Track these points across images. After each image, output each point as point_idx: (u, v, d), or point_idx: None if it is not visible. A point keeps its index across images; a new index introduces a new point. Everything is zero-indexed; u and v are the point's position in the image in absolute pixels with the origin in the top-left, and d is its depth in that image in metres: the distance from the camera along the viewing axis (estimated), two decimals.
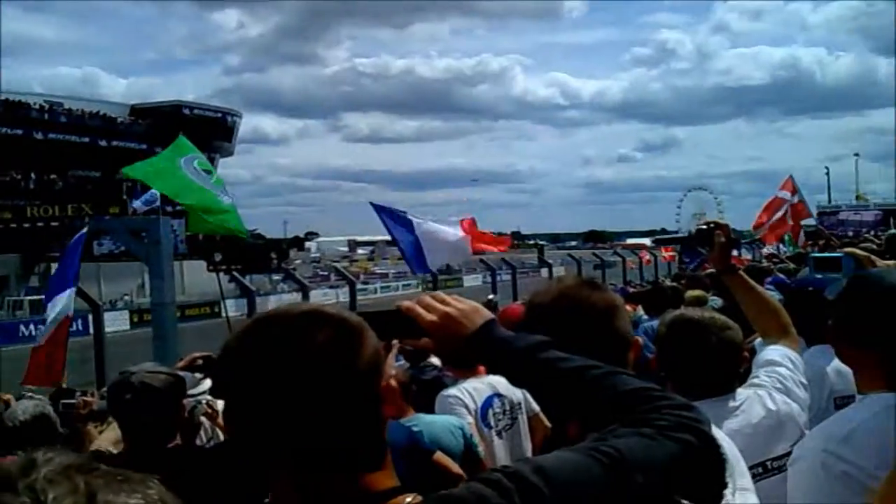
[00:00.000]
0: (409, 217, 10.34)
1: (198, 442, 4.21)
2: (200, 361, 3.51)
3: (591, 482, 1.07)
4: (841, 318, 1.90)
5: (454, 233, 10.49)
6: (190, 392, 3.34)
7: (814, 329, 2.66)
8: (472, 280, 46.54)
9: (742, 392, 2.30)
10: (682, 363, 2.30)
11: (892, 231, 11.11)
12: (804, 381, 2.39)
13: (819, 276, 2.97)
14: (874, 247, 7.04)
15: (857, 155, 72.05)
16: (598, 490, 1.07)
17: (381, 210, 10.50)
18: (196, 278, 34.22)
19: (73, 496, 0.67)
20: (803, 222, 17.50)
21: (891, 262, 2.75)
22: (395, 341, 1.46)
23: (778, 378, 2.34)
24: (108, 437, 3.23)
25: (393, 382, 1.14)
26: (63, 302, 8.61)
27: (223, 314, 11.41)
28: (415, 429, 3.42)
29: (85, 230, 9.61)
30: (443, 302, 1.37)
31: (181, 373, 3.11)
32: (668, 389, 2.27)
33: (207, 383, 3.98)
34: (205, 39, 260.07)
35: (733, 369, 2.33)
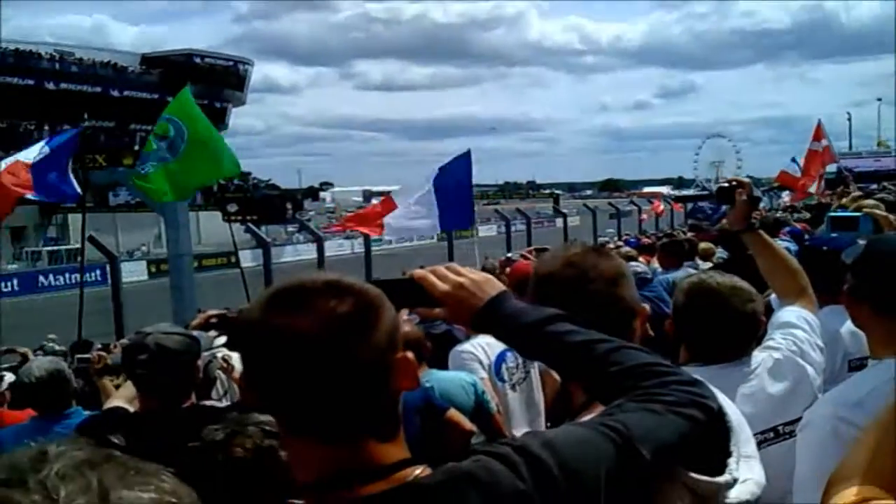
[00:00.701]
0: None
1: (214, 395, 4.27)
2: (215, 320, 3.52)
3: (599, 457, 1.08)
4: (857, 282, 1.87)
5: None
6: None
7: (827, 289, 2.62)
8: (486, 230, 46.33)
9: (757, 355, 2.27)
10: (700, 333, 2.28)
11: None
12: (820, 343, 2.36)
13: (835, 235, 2.93)
14: (892, 198, 6.91)
15: (879, 100, 70.71)
16: (606, 465, 1.08)
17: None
18: (212, 228, 34.39)
19: (86, 494, 0.67)
20: (827, 167, 17.28)
21: None
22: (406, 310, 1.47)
23: (794, 340, 2.31)
24: (123, 394, 3.26)
25: (410, 355, 1.14)
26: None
27: (239, 265, 11.48)
28: (426, 384, 3.45)
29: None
30: (456, 272, 1.39)
31: (196, 333, 3.13)
32: (683, 354, 2.28)
33: (223, 339, 4.01)
34: None
35: (751, 338, 2.30)
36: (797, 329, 2.35)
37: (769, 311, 2.60)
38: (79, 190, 9.50)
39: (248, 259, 19.52)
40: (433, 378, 3.57)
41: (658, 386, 1.18)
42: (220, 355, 4.12)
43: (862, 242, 2.04)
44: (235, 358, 4.30)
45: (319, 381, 1.06)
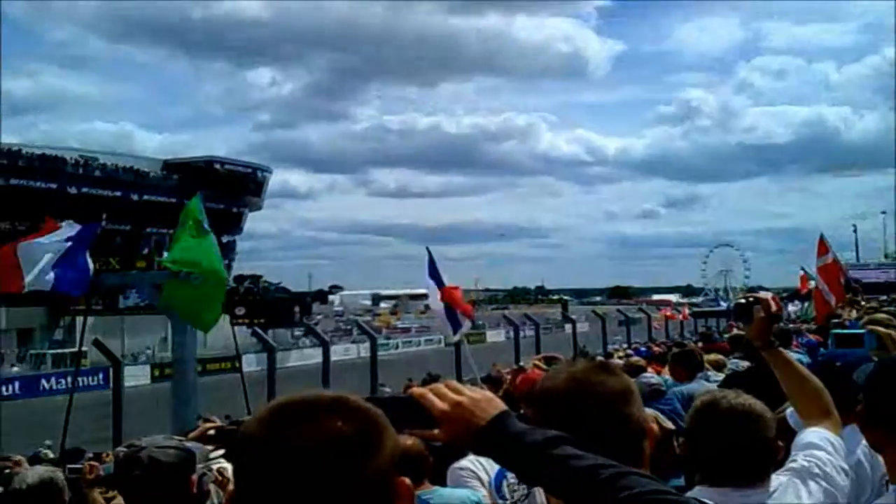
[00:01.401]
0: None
1: None
2: (213, 432, 3.45)
3: None
4: (871, 404, 1.80)
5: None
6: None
7: (845, 408, 2.52)
8: (494, 335, 46.25)
9: (776, 478, 2.18)
10: (711, 455, 2.20)
11: None
12: (845, 466, 2.26)
13: (843, 351, 2.86)
14: None
15: (884, 213, 71.47)
16: None
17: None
18: (219, 332, 34.32)
19: None
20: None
21: None
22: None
23: (816, 462, 2.21)
24: None
25: (408, 481, 1.10)
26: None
27: (241, 370, 11.38)
28: (431, 503, 3.33)
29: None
30: (456, 391, 1.36)
31: (191, 444, 3.05)
32: (697, 476, 2.18)
33: (220, 451, 3.91)
34: (238, 97, 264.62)
35: (765, 463, 2.21)
36: (820, 451, 2.25)
37: (786, 427, 2.51)
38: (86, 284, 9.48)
39: (252, 363, 19.42)
40: (437, 495, 3.43)
41: None
42: (215, 468, 4.01)
43: (872, 362, 1.97)
44: (231, 471, 4.18)
45: (319, 501, 1.01)
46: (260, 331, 17.69)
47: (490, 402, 1.34)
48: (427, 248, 11.58)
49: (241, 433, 1.11)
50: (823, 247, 15.16)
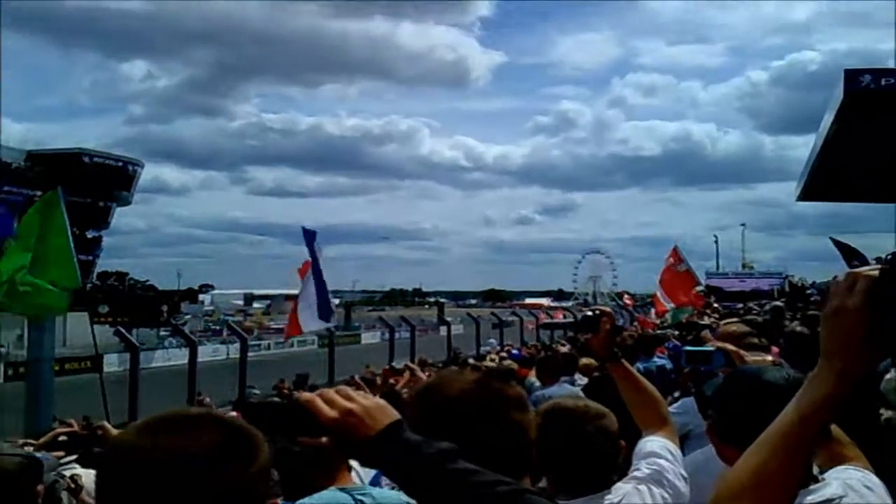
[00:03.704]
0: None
1: None
2: (64, 437, 3.29)
3: None
4: (718, 416, 1.88)
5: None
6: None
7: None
8: (370, 337, 46.08)
9: (621, 486, 2.24)
10: (558, 456, 2.23)
11: (776, 303, 11.55)
12: (684, 473, 2.35)
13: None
14: (759, 320, 7.15)
15: (743, 225, 76.01)
16: None
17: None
18: (79, 330, 32.72)
19: None
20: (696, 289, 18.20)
21: (759, 359, 2.76)
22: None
23: (658, 469, 2.30)
24: None
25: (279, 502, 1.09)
26: None
27: (100, 370, 10.87)
28: (366, 500, 3.19)
29: None
30: (346, 397, 1.27)
31: (41, 454, 2.90)
32: (547, 484, 2.22)
33: (72, 457, 3.72)
34: (111, 88, 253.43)
35: (610, 461, 2.28)
36: (661, 459, 2.32)
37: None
38: None
39: (114, 363, 18.63)
40: (371, 495, 3.28)
41: None
42: (68, 474, 3.83)
43: (722, 374, 2.06)
44: (85, 477, 4.00)
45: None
46: (123, 330, 17.02)
47: (382, 411, 1.26)
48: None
49: (112, 442, 1.11)
50: (677, 256, 16.14)
